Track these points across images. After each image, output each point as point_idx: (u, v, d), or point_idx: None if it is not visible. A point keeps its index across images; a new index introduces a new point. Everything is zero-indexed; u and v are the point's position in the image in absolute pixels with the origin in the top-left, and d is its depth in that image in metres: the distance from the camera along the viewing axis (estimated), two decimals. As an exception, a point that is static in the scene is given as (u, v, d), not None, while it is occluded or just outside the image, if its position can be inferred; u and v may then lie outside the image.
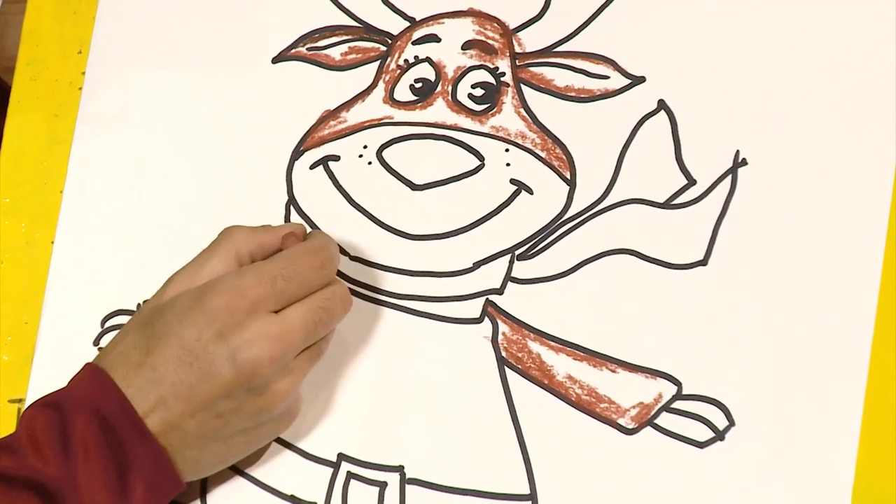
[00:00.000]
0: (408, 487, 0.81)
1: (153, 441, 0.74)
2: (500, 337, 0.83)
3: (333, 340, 0.83)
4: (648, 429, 0.79)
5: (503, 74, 0.87)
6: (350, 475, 0.82)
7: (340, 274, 0.85)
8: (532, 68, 0.87)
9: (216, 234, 0.81)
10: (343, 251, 0.86)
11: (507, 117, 0.86)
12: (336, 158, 0.88)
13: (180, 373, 0.74)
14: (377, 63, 0.90)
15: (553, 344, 0.82)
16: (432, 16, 0.90)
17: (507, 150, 0.86)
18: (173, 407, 0.74)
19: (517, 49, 0.88)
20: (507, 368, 0.82)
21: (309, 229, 0.84)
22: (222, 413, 0.75)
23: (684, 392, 0.79)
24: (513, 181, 0.85)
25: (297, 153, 0.89)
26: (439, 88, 0.88)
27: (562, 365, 0.81)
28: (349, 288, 0.84)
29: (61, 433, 0.73)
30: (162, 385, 0.74)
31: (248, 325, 0.74)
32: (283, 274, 0.76)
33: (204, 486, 0.83)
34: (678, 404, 0.79)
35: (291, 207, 0.88)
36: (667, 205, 0.83)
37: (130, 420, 0.73)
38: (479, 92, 0.87)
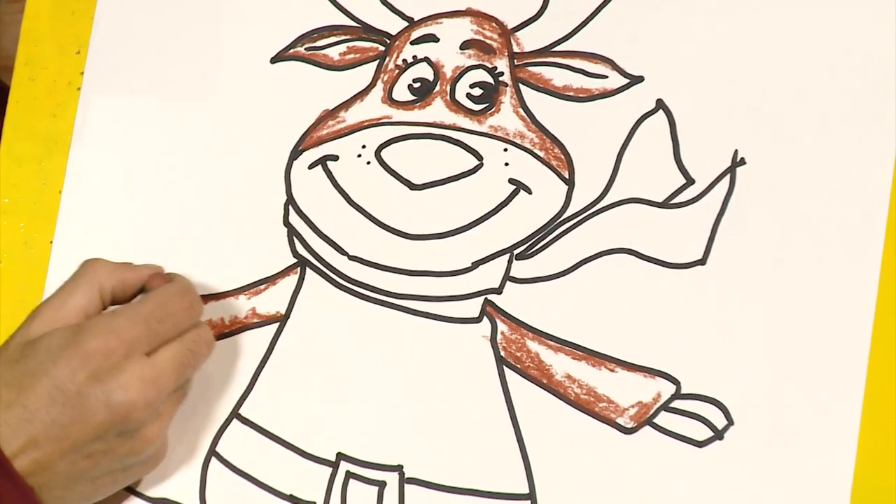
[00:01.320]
0: (407, 487, 0.81)
1: (20, 480, 0.73)
2: (499, 336, 0.83)
3: (331, 339, 0.83)
4: (647, 428, 0.79)
5: (501, 74, 0.87)
6: (349, 475, 0.82)
7: (338, 273, 0.86)
8: (530, 68, 0.87)
9: (214, 235, 0.81)
10: (341, 251, 0.86)
11: (506, 117, 0.86)
12: (335, 158, 0.88)
13: (52, 412, 0.74)
14: (376, 63, 0.90)
15: (552, 343, 0.82)
16: (430, 16, 0.90)
17: (505, 150, 0.86)
18: (44, 447, 0.74)
19: (515, 49, 0.88)
20: (505, 368, 0.82)
21: (166, 270, 0.85)
22: (92, 454, 0.75)
23: (683, 391, 0.79)
24: (511, 181, 0.85)
25: (295, 153, 0.89)
26: (438, 88, 0.88)
27: (561, 364, 0.81)
28: (347, 288, 0.84)
29: None
30: (33, 424, 0.74)
31: (123, 369, 0.75)
32: (157, 315, 0.77)
33: (203, 486, 0.83)
34: (677, 403, 0.79)
35: (290, 207, 0.88)
36: (665, 204, 0.83)
37: None
38: (477, 92, 0.87)
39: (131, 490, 0.84)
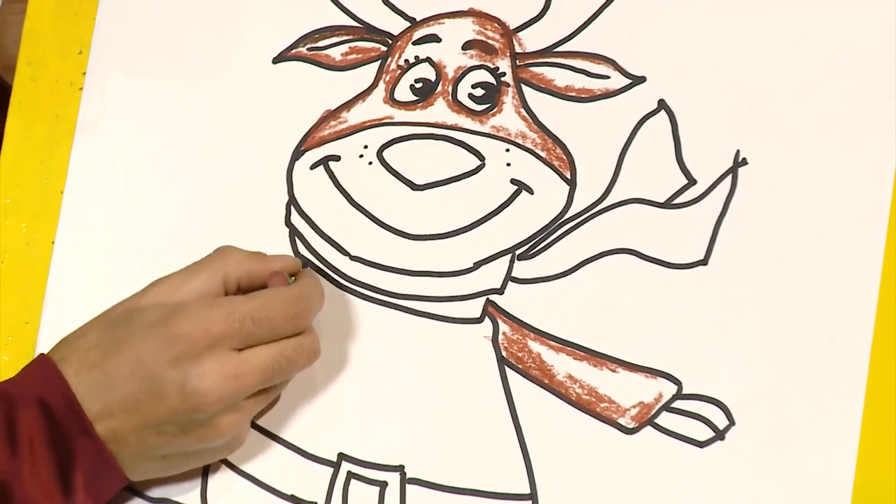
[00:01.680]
0: (408, 487, 0.81)
1: (97, 438, 0.74)
2: (501, 337, 0.83)
3: (333, 340, 0.83)
4: (649, 428, 0.79)
5: (503, 74, 0.87)
6: (350, 475, 0.82)
7: (340, 273, 0.86)
8: (532, 68, 0.87)
9: (217, 235, 0.81)
10: (343, 251, 0.86)
11: (508, 117, 0.86)
12: (336, 158, 0.88)
13: (131, 385, 0.74)
14: (377, 63, 0.90)
15: (553, 343, 0.82)
16: (433, 16, 0.90)
17: (507, 150, 0.86)
18: (118, 417, 0.75)
19: (517, 49, 0.88)
20: (507, 368, 0.82)
21: (303, 266, 0.85)
22: (163, 433, 0.76)
23: (684, 391, 0.79)
24: (513, 181, 0.85)
25: (297, 153, 0.89)
26: (440, 88, 0.88)
27: (562, 364, 0.81)
28: (349, 288, 0.84)
29: (8, 425, 0.74)
30: (111, 392, 0.75)
31: (205, 359, 0.75)
32: (255, 316, 0.76)
33: (204, 486, 0.83)
34: (678, 404, 0.79)
35: (292, 208, 0.88)
36: (667, 204, 0.83)
37: (76, 416, 0.74)
38: (479, 92, 0.87)
39: (132, 490, 0.84)
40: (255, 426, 0.84)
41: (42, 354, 0.78)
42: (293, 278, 0.82)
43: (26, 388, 0.75)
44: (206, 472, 0.84)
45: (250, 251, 0.82)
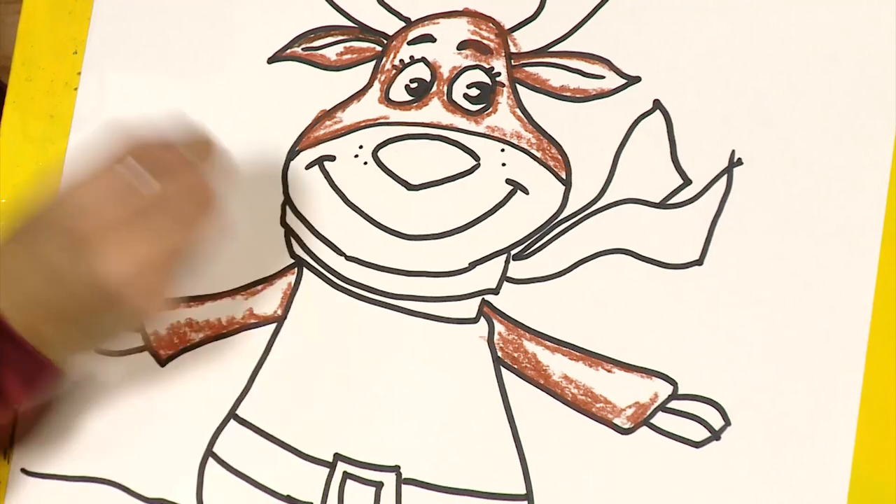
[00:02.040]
0: (404, 487, 0.81)
1: (11, 331, 0.74)
2: (496, 337, 0.83)
3: (329, 340, 0.83)
4: (644, 428, 0.79)
5: (498, 74, 0.87)
6: (346, 475, 0.82)
7: (336, 274, 0.86)
8: (527, 68, 0.87)
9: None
10: (339, 251, 0.86)
11: (503, 117, 0.86)
12: (332, 158, 0.88)
13: (36, 282, 0.75)
14: (373, 63, 0.90)
15: (549, 344, 0.82)
16: (428, 16, 0.90)
17: (502, 150, 0.86)
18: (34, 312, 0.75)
19: (512, 49, 0.88)
20: (503, 368, 0.82)
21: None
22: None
23: (680, 392, 0.79)
24: (508, 181, 0.85)
25: (292, 153, 0.89)
26: (435, 88, 0.88)
27: (558, 365, 0.81)
28: (345, 289, 0.84)
29: None
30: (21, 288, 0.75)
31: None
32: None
33: (200, 487, 0.83)
34: (674, 404, 0.79)
35: (287, 207, 0.88)
36: (662, 204, 0.83)
37: None
38: (474, 92, 0.87)
39: (128, 491, 0.84)
40: (251, 426, 0.84)
41: None
42: None
43: None
44: (201, 473, 0.84)
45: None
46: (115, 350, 0.87)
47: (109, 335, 0.80)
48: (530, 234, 0.84)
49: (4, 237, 0.78)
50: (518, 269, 0.84)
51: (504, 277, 0.84)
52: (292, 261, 0.87)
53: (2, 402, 0.76)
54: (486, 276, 0.84)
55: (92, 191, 0.76)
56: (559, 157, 0.85)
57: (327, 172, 0.88)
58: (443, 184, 0.86)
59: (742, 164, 0.82)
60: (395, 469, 0.82)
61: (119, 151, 0.77)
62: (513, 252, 0.84)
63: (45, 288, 0.74)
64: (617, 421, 0.80)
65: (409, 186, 0.86)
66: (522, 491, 0.80)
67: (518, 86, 0.87)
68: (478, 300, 0.84)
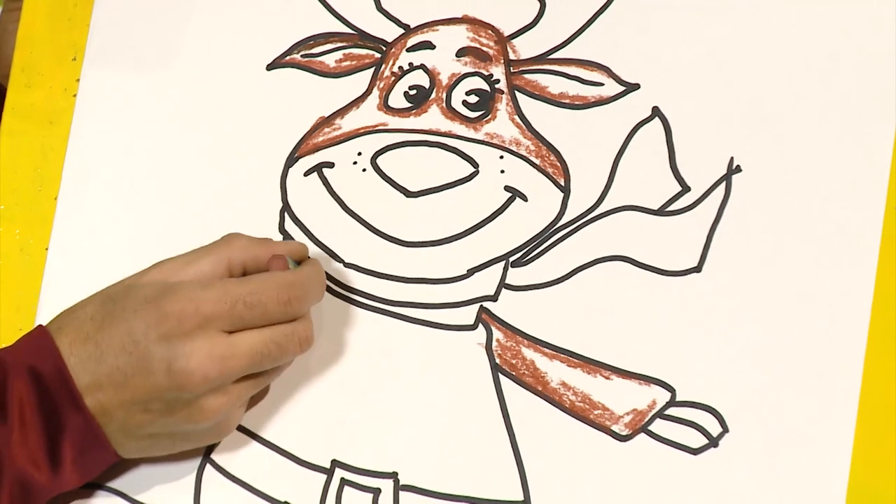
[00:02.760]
0: (402, 494, 0.81)
1: (86, 410, 0.75)
2: (495, 344, 0.83)
3: (327, 346, 0.83)
4: (642, 435, 0.79)
5: (497, 81, 0.87)
6: (344, 482, 0.82)
7: (334, 280, 0.86)
8: (526, 75, 0.87)
9: (211, 241, 0.81)
10: (337, 258, 0.86)
11: (502, 124, 0.86)
12: (330, 165, 0.88)
13: (120, 359, 0.75)
14: (371, 70, 0.90)
15: (547, 351, 0.82)
16: (427, 23, 0.90)
17: (501, 157, 0.86)
18: (107, 390, 0.75)
19: (511, 56, 0.88)
20: (501, 375, 0.82)
21: (309, 254, 0.84)
22: (150, 410, 0.76)
23: (678, 398, 0.79)
24: (507, 188, 0.85)
25: (291, 160, 0.89)
26: (434, 95, 0.88)
27: (556, 372, 0.81)
28: (343, 295, 0.84)
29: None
30: (101, 365, 0.75)
31: (193, 338, 0.75)
32: (247, 300, 0.76)
33: (198, 492, 0.83)
34: (672, 411, 0.79)
35: (286, 214, 0.88)
36: (661, 211, 0.83)
37: (66, 386, 0.75)
38: (473, 99, 0.87)
39: (127, 497, 0.84)
40: (249, 433, 0.84)
41: (40, 325, 0.79)
42: (298, 265, 0.82)
43: (19, 356, 0.76)
44: (199, 479, 0.83)
45: (258, 237, 0.82)
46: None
47: (171, 435, 0.79)
48: (529, 240, 0.84)
49: (99, 296, 0.79)
50: (516, 276, 0.84)
51: (502, 284, 0.84)
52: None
53: (54, 471, 0.76)
54: (485, 282, 0.84)
55: (199, 284, 0.77)
56: (558, 163, 0.85)
57: (326, 179, 0.88)
58: (441, 191, 0.86)
59: (741, 171, 0.82)
60: (393, 475, 0.82)
61: (234, 254, 0.80)
62: (511, 259, 0.84)
63: (125, 363, 0.75)
64: (615, 428, 0.80)
65: (408, 193, 0.86)
66: (520, 497, 0.80)
67: (517, 93, 0.87)
68: (476, 307, 0.84)
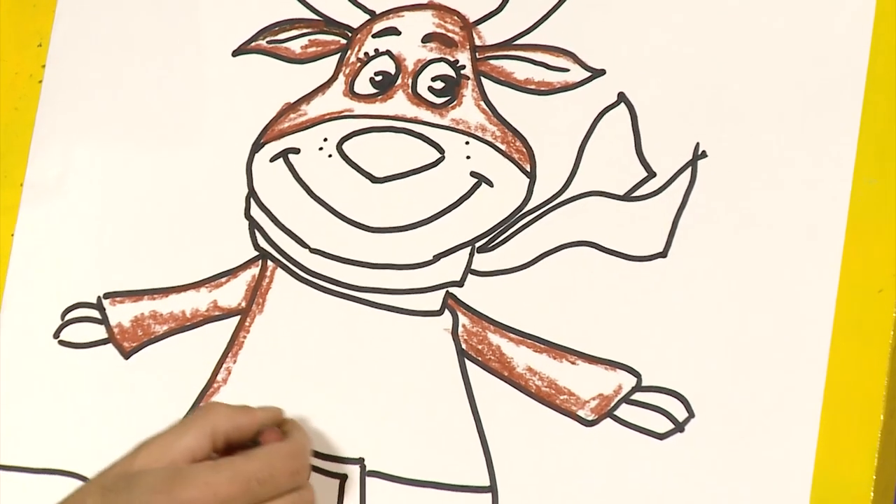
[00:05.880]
0: (368, 480, 0.81)
1: None
2: (461, 329, 0.83)
3: (292, 333, 0.83)
4: (608, 420, 0.80)
5: (463, 67, 0.87)
6: (310, 468, 0.82)
7: (300, 266, 0.86)
8: (492, 61, 0.87)
9: (176, 227, 0.81)
10: (303, 244, 0.86)
11: (468, 110, 0.86)
12: (296, 151, 0.88)
13: None
14: (337, 56, 0.90)
15: (513, 336, 0.82)
16: (392, 9, 0.90)
17: (467, 143, 0.86)
18: None
19: (477, 42, 0.88)
20: (467, 361, 0.82)
21: (284, 414, 0.82)
22: None
23: (644, 384, 0.79)
24: (473, 174, 0.85)
25: (256, 146, 0.89)
26: (399, 81, 0.88)
27: (522, 357, 0.81)
28: (309, 281, 0.84)
29: None
30: None
31: None
32: (259, 476, 0.74)
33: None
34: (638, 396, 0.79)
35: (251, 200, 0.88)
36: (626, 197, 0.83)
37: None
38: (439, 85, 0.87)
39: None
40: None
41: None
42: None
43: None
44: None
45: (236, 405, 0.79)
46: (78, 342, 0.87)
47: None
48: (495, 226, 0.84)
49: (95, 489, 0.76)
50: (482, 262, 0.84)
51: (468, 270, 0.84)
52: (256, 253, 0.87)
53: None
54: (451, 268, 0.84)
55: (207, 467, 0.75)
56: (524, 149, 0.85)
57: (292, 165, 0.88)
58: (407, 176, 0.86)
59: (706, 156, 0.82)
60: (360, 461, 0.82)
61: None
62: (477, 244, 0.84)
63: None
64: (581, 413, 0.80)
65: (374, 179, 0.86)
66: (487, 483, 0.80)
67: (483, 79, 0.87)
68: (442, 292, 0.84)
